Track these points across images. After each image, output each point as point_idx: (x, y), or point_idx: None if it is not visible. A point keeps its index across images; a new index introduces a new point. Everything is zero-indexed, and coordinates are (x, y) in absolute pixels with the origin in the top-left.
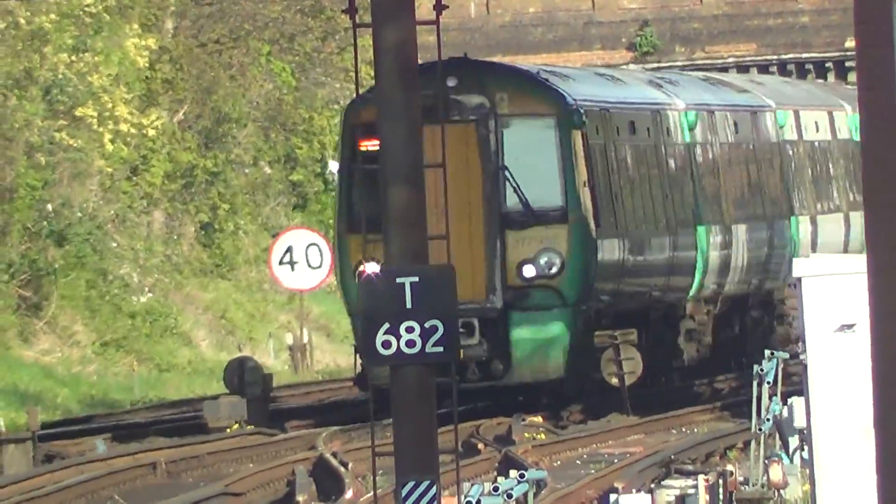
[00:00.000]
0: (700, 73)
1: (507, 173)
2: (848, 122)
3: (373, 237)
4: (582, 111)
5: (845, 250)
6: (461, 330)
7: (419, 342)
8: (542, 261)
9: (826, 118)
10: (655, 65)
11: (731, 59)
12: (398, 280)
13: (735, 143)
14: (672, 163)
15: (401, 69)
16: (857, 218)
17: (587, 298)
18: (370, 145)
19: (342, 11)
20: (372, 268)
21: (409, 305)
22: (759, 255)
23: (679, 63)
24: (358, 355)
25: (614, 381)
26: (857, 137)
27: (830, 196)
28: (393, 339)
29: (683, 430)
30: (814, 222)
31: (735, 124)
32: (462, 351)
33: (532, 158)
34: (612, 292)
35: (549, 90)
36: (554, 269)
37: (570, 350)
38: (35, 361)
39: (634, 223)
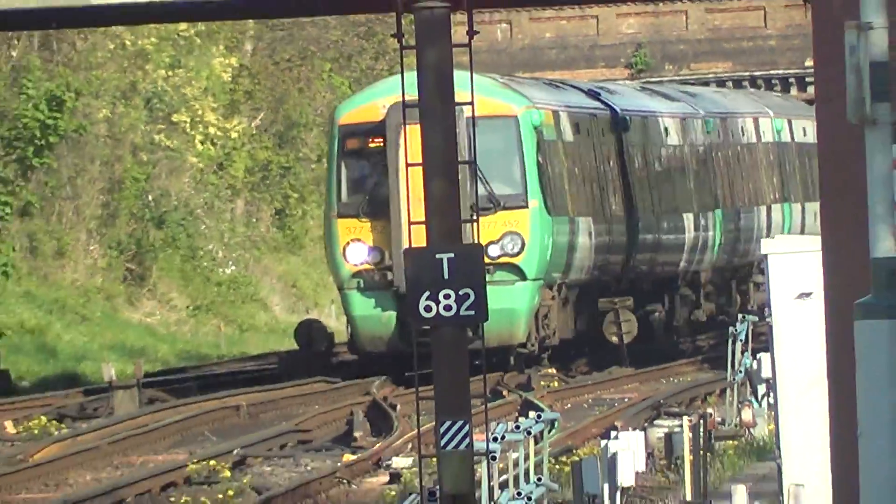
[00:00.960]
0: (638, 83)
1: (476, 167)
2: (772, 126)
3: (360, 221)
4: (538, 113)
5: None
6: None
7: (455, 306)
8: (506, 242)
9: (752, 123)
10: (648, 79)
11: (710, 75)
12: (437, 256)
13: (665, 144)
14: (609, 159)
15: (439, 84)
16: (778, 210)
17: (544, 274)
18: (354, 145)
19: (391, 36)
20: (359, 248)
21: (446, 277)
22: (681, 241)
23: (667, 79)
24: (348, 325)
25: (614, 339)
26: (778, 139)
27: (755, 190)
28: (433, 304)
29: (671, 379)
30: (737, 214)
31: (665, 128)
32: None
33: (496, 154)
34: (564, 269)
35: (510, 95)
36: (516, 249)
37: (530, 318)
38: (140, 322)
39: (578, 210)
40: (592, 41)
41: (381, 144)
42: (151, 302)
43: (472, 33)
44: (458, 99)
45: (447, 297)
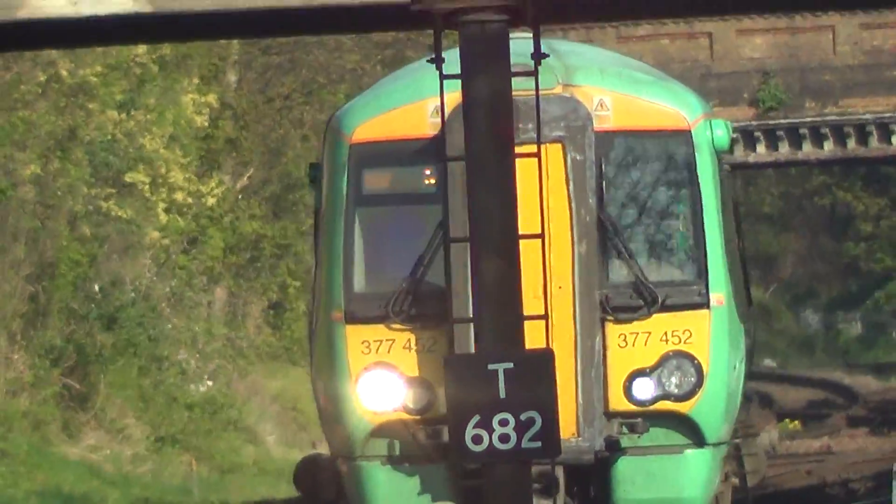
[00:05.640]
0: None
1: (609, 225)
2: None
3: (389, 328)
4: (722, 125)
5: None
6: (535, 485)
7: (514, 436)
8: (669, 372)
9: None
10: (781, 121)
11: (867, 116)
12: (490, 366)
13: None
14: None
15: (493, 126)
16: None
17: (732, 429)
18: (381, 181)
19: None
20: (387, 380)
21: (502, 395)
22: None
23: (808, 119)
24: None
25: (734, 479)
26: None
27: None
28: (485, 434)
29: None
30: None
31: None
32: None
33: (651, 198)
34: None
35: (674, 91)
36: (687, 387)
37: None
38: (81, 460)
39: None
40: (704, 68)
41: (434, 182)
42: (97, 432)
43: (538, 56)
44: (585, 95)
45: (504, 423)
